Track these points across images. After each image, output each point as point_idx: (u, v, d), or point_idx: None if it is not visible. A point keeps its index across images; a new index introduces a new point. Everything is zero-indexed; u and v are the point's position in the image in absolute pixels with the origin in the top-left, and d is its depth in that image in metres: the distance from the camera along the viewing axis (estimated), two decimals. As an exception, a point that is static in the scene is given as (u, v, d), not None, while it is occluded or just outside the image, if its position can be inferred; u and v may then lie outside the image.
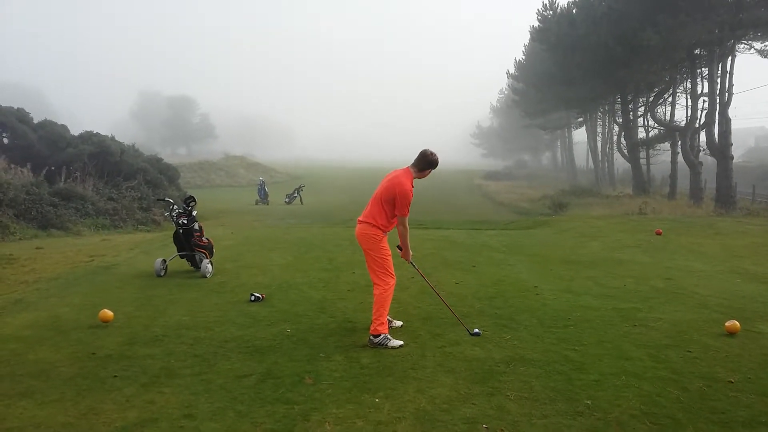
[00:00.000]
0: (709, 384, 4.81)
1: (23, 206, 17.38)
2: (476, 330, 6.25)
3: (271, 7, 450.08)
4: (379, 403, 4.47)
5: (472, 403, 4.44)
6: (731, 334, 6.17)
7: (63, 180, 21.70)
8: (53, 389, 4.74)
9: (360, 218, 6.08)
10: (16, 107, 26.47)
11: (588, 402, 4.44)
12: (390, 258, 6.00)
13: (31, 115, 26.61)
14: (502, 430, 4.02)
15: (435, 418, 4.20)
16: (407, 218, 6.03)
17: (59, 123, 27.44)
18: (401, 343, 5.85)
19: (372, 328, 5.86)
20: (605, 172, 51.19)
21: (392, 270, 6.02)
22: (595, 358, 5.44)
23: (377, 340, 5.79)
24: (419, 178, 6.08)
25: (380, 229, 5.93)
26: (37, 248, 13.03)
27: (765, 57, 28.95)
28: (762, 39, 28.88)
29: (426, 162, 6.01)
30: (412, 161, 6.08)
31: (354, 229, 6.32)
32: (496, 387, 4.75)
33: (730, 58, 28.01)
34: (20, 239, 15.43)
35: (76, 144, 25.22)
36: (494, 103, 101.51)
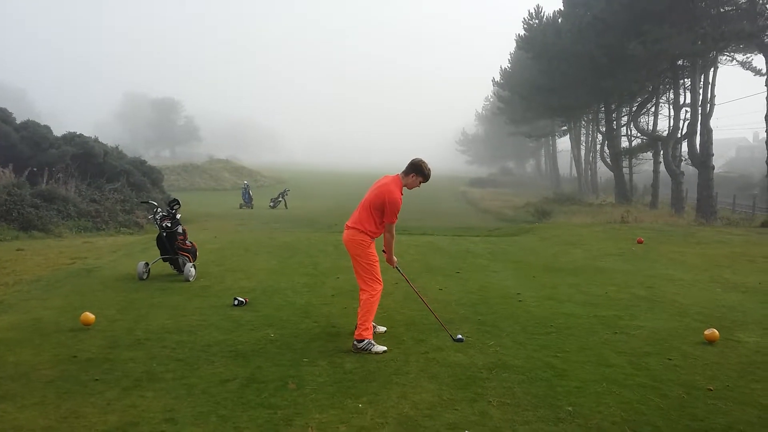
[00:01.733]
0: (688, 391, 4.87)
1: (4, 207, 17.18)
2: (459, 336, 6.28)
3: (257, 10, 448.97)
4: (363, 408, 4.47)
5: (455, 409, 4.46)
6: (710, 342, 6.25)
7: (45, 181, 21.50)
8: (34, 392, 4.70)
9: (348, 224, 6.09)
10: (-2, 107, 26.23)
11: (569, 408, 4.48)
12: (377, 264, 6.02)
13: (13, 116, 26.36)
14: (484, 436, 4.04)
15: (418, 423, 4.22)
16: (395, 225, 6.06)
17: (42, 123, 27.19)
18: (385, 348, 5.86)
19: (356, 333, 5.87)
20: (588, 181, 51.66)
21: (379, 276, 6.04)
22: (576, 365, 5.49)
23: (361, 345, 5.80)
24: (408, 187, 6.10)
25: (368, 235, 5.95)
26: (18, 250, 12.88)
27: (747, 69, 29.41)
28: (744, 51, 29.35)
29: (414, 168, 6.03)
30: (403, 169, 6.11)
31: (340, 234, 6.33)
32: (478, 393, 4.78)
33: (712, 69, 28.47)
34: (1, 240, 15.25)
35: (58, 145, 25.02)
36: (479, 111, 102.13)
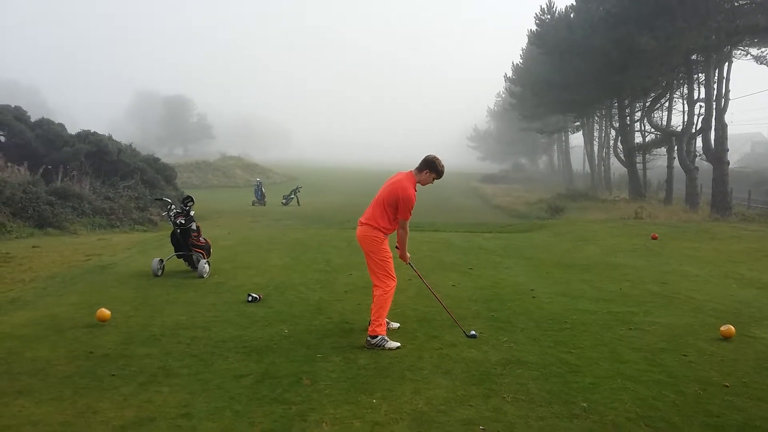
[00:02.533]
0: (704, 388, 4.84)
1: (20, 205, 17.32)
2: (473, 332, 6.28)
3: (267, 8, 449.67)
4: (377, 404, 4.48)
5: (469, 405, 4.46)
6: (726, 338, 6.21)
7: (60, 179, 21.66)
8: (51, 388, 4.74)
9: (361, 220, 6.09)
10: (13, 105, 26.42)
11: (584, 404, 4.47)
12: (391, 260, 6.03)
13: (28, 114, 26.56)
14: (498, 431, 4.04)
15: (432, 419, 4.22)
16: (408, 221, 6.05)
17: (56, 121, 27.37)
18: (398, 344, 5.86)
19: (370, 329, 5.88)
20: (602, 177, 51.27)
21: (393, 272, 6.04)
22: (591, 361, 5.47)
23: (375, 341, 5.81)
24: (422, 183, 6.09)
25: (382, 231, 5.96)
26: (33, 247, 13.00)
27: (761, 63, 29.09)
28: (758, 45, 29.04)
29: (428, 165, 6.01)
30: (417, 165, 6.09)
31: (353, 230, 6.34)
32: (492, 389, 4.78)
33: (726, 63, 28.16)
34: (17, 238, 15.39)
35: (73, 143, 25.19)
36: (491, 107, 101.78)
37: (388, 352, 5.71)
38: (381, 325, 5.87)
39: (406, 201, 5.85)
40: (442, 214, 27.19)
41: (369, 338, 5.86)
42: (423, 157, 6.14)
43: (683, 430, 4.08)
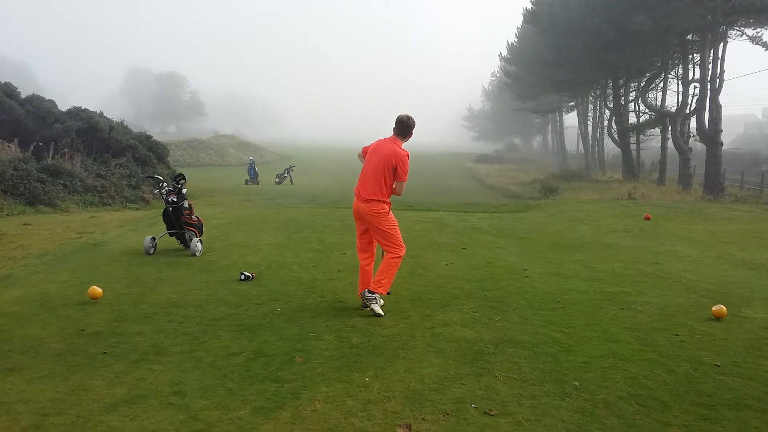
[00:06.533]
0: (695, 367, 4.86)
1: (11, 182, 17.18)
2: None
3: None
4: (369, 382, 4.48)
5: (461, 383, 4.47)
6: (718, 318, 6.23)
7: (51, 156, 21.46)
8: (42, 365, 4.72)
9: (364, 196, 6.12)
10: (3, 81, 26.09)
11: (576, 383, 4.48)
12: (398, 228, 6.23)
13: (18, 90, 26.23)
14: (490, 410, 4.04)
15: (424, 397, 4.23)
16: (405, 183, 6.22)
17: (47, 98, 27.06)
18: (382, 314, 6.05)
19: (373, 285, 6.04)
20: (595, 157, 51.34)
21: (401, 241, 6.24)
22: (583, 341, 5.48)
23: (371, 296, 5.99)
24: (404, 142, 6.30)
25: (386, 203, 6.14)
26: (24, 224, 12.92)
27: (756, 44, 28.98)
28: (754, 25, 28.92)
29: (407, 127, 6.22)
30: (395, 131, 6.23)
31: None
32: (485, 367, 4.78)
33: (721, 44, 28.08)
34: (7, 215, 15.29)
35: (64, 120, 24.92)
36: (486, 86, 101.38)
37: (380, 330, 5.70)
38: (383, 285, 6.05)
39: (403, 164, 6.06)
40: (435, 194, 27.19)
41: (366, 291, 6.01)
42: (413, 130, 6.31)
43: (674, 409, 4.09)
